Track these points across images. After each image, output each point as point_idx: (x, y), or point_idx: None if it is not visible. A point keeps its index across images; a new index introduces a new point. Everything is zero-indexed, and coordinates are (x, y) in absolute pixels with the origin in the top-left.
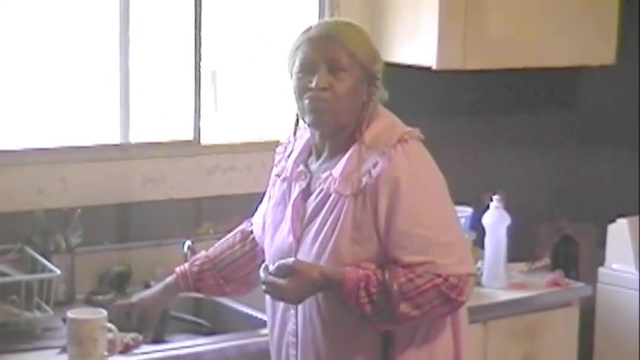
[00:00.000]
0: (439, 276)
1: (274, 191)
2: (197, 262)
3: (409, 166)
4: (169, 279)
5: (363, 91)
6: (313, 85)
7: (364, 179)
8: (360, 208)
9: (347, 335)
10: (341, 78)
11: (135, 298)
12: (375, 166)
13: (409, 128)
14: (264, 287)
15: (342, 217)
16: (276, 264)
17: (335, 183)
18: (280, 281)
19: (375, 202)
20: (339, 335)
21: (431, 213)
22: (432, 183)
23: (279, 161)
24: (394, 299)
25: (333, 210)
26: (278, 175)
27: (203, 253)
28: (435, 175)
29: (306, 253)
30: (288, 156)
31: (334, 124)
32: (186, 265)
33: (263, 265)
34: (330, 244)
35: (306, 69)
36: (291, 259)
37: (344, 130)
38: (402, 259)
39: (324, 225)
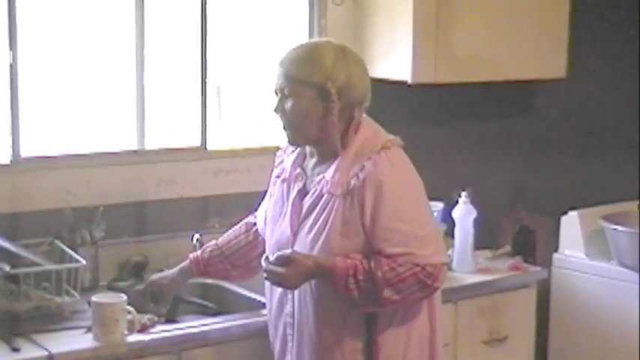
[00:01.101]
0: (417, 265)
1: (274, 190)
2: (208, 249)
3: (391, 170)
4: (184, 263)
5: (318, 108)
6: (274, 108)
7: (352, 181)
8: (349, 207)
9: (335, 317)
10: (288, 103)
11: (154, 276)
12: (362, 170)
13: (391, 136)
14: (265, 275)
15: (332, 214)
16: (276, 254)
17: (327, 185)
18: (279, 269)
19: (361, 202)
20: (328, 317)
21: (410, 210)
22: (411, 184)
23: (279, 163)
24: (378, 285)
25: (325, 208)
26: (278, 176)
27: (213, 242)
28: (414, 178)
29: (301, 245)
30: (287, 158)
31: (303, 139)
32: (199, 251)
33: (264, 256)
34: (322, 238)
35: (275, 93)
36: (288, 250)
37: (323, 140)
38: (385, 251)
39: (317, 221)
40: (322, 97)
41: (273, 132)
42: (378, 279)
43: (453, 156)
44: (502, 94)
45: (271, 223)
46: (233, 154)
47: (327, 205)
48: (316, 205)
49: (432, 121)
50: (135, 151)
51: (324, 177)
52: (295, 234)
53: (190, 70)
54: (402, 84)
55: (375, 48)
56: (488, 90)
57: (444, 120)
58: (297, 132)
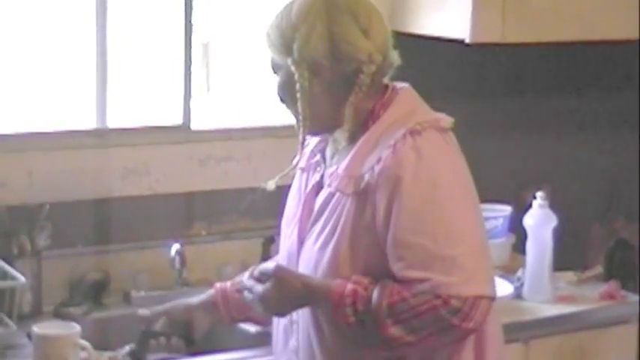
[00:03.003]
0: (439, 297)
1: (294, 183)
2: (237, 278)
3: (416, 162)
4: (209, 292)
5: (340, 88)
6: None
7: (366, 177)
8: (361, 211)
9: (346, 358)
10: (297, 88)
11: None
12: (378, 161)
13: (434, 115)
14: (244, 293)
15: (342, 220)
16: (259, 268)
17: (337, 179)
18: (258, 287)
19: (374, 204)
20: (337, 358)
21: (437, 220)
22: (443, 182)
23: (304, 147)
24: (381, 320)
25: (335, 210)
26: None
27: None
28: (449, 174)
29: (306, 259)
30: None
31: (314, 128)
32: (228, 282)
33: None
34: (328, 251)
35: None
36: (272, 264)
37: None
38: (397, 274)
39: (325, 227)
40: (347, 75)
41: (280, 106)
42: (382, 311)
43: (526, 142)
44: (593, 59)
45: (285, 226)
46: (226, 135)
47: (338, 207)
48: (327, 205)
49: (496, 94)
50: (93, 131)
51: (337, 168)
52: (303, 242)
53: (169, 23)
54: (457, 43)
55: None
56: (572, 53)
57: (513, 93)
58: (305, 120)
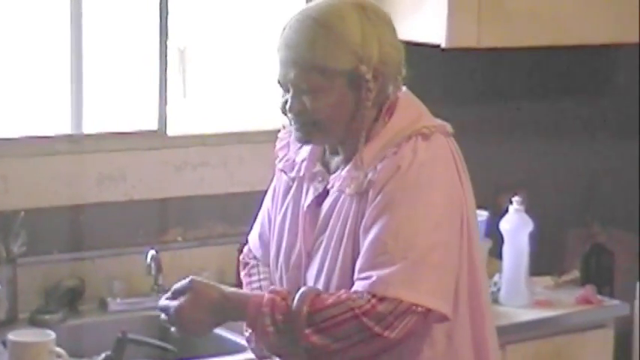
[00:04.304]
0: (361, 306)
1: (281, 190)
2: None
3: (411, 161)
4: None
5: (349, 99)
6: (287, 107)
7: (369, 175)
8: (363, 212)
9: None
10: (315, 97)
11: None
12: (381, 160)
13: (438, 121)
14: (161, 316)
15: (348, 224)
16: (173, 287)
17: (339, 180)
18: (173, 302)
19: (365, 205)
20: None
21: (404, 219)
22: (426, 185)
23: (285, 152)
24: (301, 329)
25: (340, 215)
26: (285, 172)
27: None
28: (437, 181)
29: (316, 273)
30: (299, 148)
31: (327, 141)
32: None
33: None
34: (340, 259)
35: (281, 85)
36: (188, 278)
37: (351, 136)
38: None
39: (333, 235)
40: (354, 85)
41: (257, 112)
42: (302, 320)
43: (502, 147)
44: (568, 64)
45: (276, 240)
46: (202, 141)
47: (342, 211)
48: (333, 211)
49: (473, 100)
50: (69, 137)
51: (341, 171)
52: (309, 255)
53: (145, 27)
54: (432, 48)
55: (398, 0)
56: (548, 58)
57: (490, 98)
58: (318, 133)
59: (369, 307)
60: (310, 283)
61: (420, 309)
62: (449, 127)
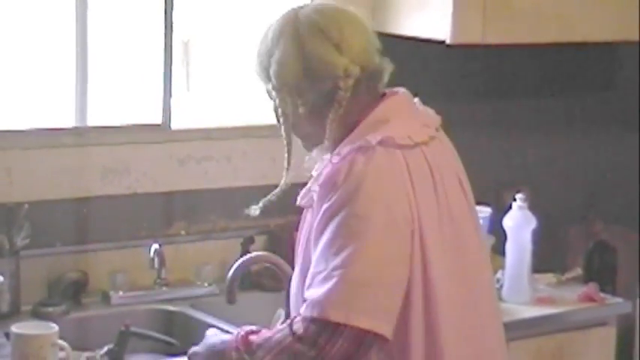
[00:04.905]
0: (294, 333)
1: None
2: None
3: (345, 178)
4: None
5: (323, 107)
6: None
7: (316, 188)
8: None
9: None
10: (286, 109)
11: None
12: (326, 166)
13: (401, 130)
14: None
15: (307, 238)
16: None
17: (301, 194)
18: None
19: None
20: None
21: (333, 238)
22: (358, 201)
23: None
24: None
25: (303, 229)
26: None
27: None
28: (370, 197)
29: (294, 298)
30: None
31: (307, 148)
32: None
33: None
34: (302, 278)
35: None
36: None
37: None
38: None
39: (300, 250)
40: (327, 93)
41: (261, 106)
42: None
43: (505, 143)
44: (573, 61)
45: None
46: (206, 135)
47: (305, 223)
48: (302, 229)
49: (476, 96)
50: (73, 129)
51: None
52: (291, 281)
53: (150, 20)
54: (437, 45)
55: None
56: (553, 55)
57: (494, 94)
58: (305, 142)
59: (302, 332)
60: (291, 300)
61: (350, 329)
62: (402, 139)
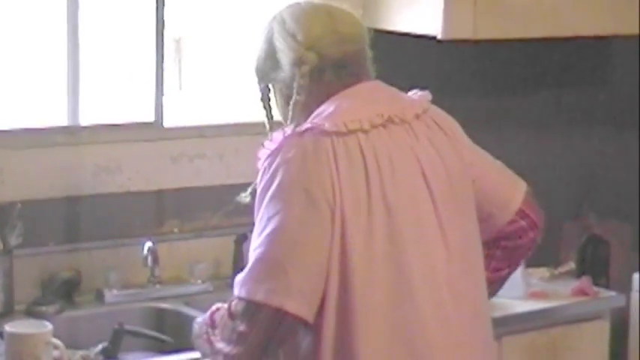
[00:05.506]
0: (229, 309)
1: None
2: None
3: (269, 163)
4: None
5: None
6: None
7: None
8: None
9: None
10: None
11: None
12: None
13: (341, 117)
14: None
15: None
16: None
17: None
18: None
19: None
20: None
21: (258, 220)
22: (276, 186)
23: None
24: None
25: None
26: None
27: None
28: (287, 179)
29: None
30: None
31: None
32: None
33: None
34: None
35: None
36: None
37: None
38: None
39: None
40: (289, 80)
41: (253, 103)
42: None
43: (497, 139)
44: (565, 56)
45: None
46: (198, 133)
47: None
48: None
49: (467, 91)
50: (65, 128)
51: None
52: None
53: (141, 18)
54: (428, 40)
55: None
56: (545, 50)
57: (485, 89)
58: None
59: (232, 309)
60: None
61: (268, 308)
62: (330, 126)
